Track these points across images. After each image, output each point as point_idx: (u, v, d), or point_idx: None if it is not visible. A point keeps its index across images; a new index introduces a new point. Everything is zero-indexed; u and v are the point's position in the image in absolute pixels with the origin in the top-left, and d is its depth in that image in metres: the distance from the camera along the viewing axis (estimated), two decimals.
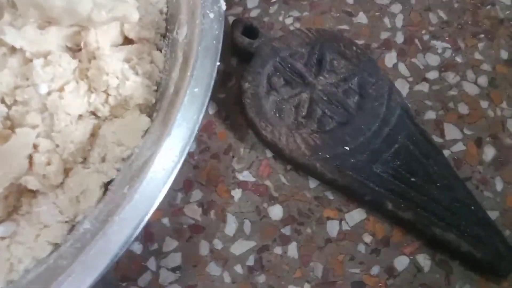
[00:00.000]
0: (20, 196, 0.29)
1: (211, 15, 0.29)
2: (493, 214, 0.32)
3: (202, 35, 0.28)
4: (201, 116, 0.27)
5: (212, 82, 0.28)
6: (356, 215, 0.33)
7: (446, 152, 0.34)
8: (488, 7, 0.39)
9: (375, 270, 0.31)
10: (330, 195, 0.33)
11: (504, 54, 0.38)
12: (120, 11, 0.31)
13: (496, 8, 0.39)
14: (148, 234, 0.32)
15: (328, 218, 0.33)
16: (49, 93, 0.28)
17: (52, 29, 0.30)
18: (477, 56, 0.38)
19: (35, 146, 0.28)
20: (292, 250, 0.32)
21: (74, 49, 0.31)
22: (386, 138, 0.33)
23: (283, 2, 0.40)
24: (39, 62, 0.28)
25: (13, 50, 0.29)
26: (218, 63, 0.28)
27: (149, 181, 0.25)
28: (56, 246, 0.27)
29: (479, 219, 0.31)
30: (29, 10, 0.27)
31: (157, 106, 0.30)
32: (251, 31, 0.37)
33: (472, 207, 0.31)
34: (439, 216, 0.30)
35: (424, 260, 0.31)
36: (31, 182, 0.28)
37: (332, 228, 0.32)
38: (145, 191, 0.25)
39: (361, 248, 0.32)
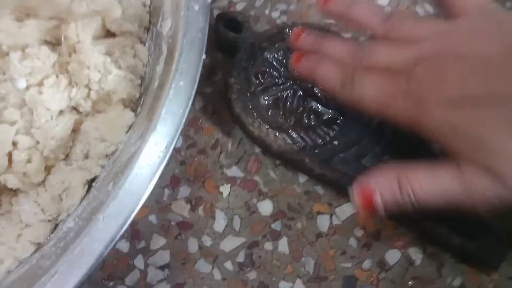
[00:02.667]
0: (0, 194, 0.28)
1: (196, 7, 0.28)
2: None
3: (187, 28, 0.27)
4: (187, 110, 0.26)
5: (198, 76, 0.27)
6: (347, 210, 0.32)
7: (435, 146, 0.34)
8: None
9: (366, 264, 0.31)
10: (320, 190, 0.33)
11: None
12: (101, 4, 0.30)
13: None
14: (135, 232, 0.31)
15: (319, 213, 0.32)
16: (27, 88, 0.28)
17: (31, 22, 0.29)
18: None
19: (14, 143, 0.27)
20: (283, 245, 0.31)
21: (54, 43, 0.30)
22: (375, 132, 0.33)
23: None
24: (17, 55, 0.27)
25: None
26: (204, 56, 0.27)
27: (134, 177, 0.24)
28: (39, 245, 0.27)
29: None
30: None
31: (141, 101, 0.29)
32: (236, 25, 0.36)
33: None
34: (430, 209, 0.30)
35: (415, 254, 0.31)
36: (11, 181, 0.27)
37: (323, 223, 0.32)
38: (130, 188, 0.24)
39: (352, 242, 0.31)
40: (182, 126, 0.26)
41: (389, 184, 0.25)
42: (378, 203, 0.25)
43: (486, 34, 0.24)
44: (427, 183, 0.24)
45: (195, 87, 0.27)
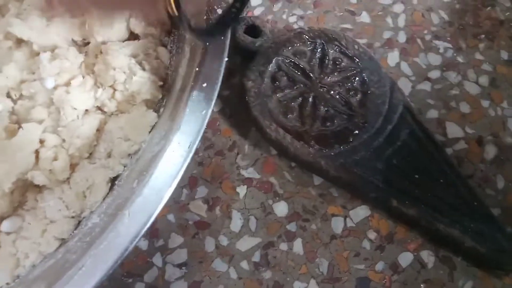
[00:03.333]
0: (25, 191, 0.29)
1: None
2: (495, 212, 0.32)
3: None
4: (209, 111, 0.27)
5: (220, 78, 0.28)
6: (361, 212, 0.33)
7: (448, 150, 0.35)
8: (489, 8, 0.40)
9: (379, 266, 0.31)
10: (334, 192, 0.33)
11: (504, 55, 0.38)
12: None
13: (497, 9, 0.40)
14: (154, 230, 0.32)
15: (333, 215, 0.33)
16: (55, 88, 0.28)
17: (58, 19, 0.29)
18: (478, 56, 0.38)
19: (41, 141, 0.28)
20: (297, 246, 0.32)
21: (80, 44, 0.31)
22: (389, 136, 0.33)
23: (287, 0, 0.40)
24: (46, 55, 0.28)
25: (19, 43, 0.29)
26: (226, 59, 0.28)
27: (158, 175, 0.25)
28: (63, 241, 0.27)
29: (482, 215, 0.31)
30: None
31: (163, 102, 0.30)
32: (254, 30, 0.37)
33: (475, 203, 0.31)
34: (443, 213, 0.31)
35: (428, 256, 0.32)
36: (38, 177, 0.28)
37: (337, 225, 0.32)
38: (154, 185, 0.25)
39: (366, 244, 0.32)
40: (204, 126, 0.27)
41: None
42: None
43: None
44: None
45: (218, 89, 0.28)
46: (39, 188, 0.29)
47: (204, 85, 0.27)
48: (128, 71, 0.29)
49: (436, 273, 0.31)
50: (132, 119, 0.29)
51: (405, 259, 0.32)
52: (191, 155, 0.26)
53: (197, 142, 0.26)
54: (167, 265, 0.31)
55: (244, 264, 0.31)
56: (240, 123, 0.36)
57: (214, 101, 0.27)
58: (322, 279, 0.31)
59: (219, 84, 0.28)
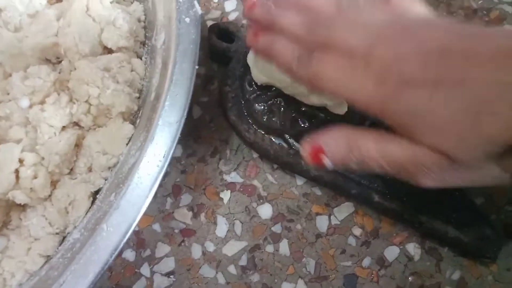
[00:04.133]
0: (9, 210, 0.29)
1: (187, 20, 0.29)
2: (478, 200, 0.32)
3: (179, 40, 0.29)
4: (182, 120, 0.27)
5: (192, 86, 0.28)
6: (345, 209, 0.33)
7: None
8: None
9: (366, 262, 0.31)
10: (317, 191, 0.34)
11: None
12: None
13: None
14: (140, 241, 0.32)
15: (317, 214, 0.33)
16: (30, 106, 0.29)
17: (30, 40, 0.30)
18: None
19: (20, 160, 0.28)
20: (284, 247, 0.32)
21: (54, 62, 0.32)
22: None
23: None
24: (19, 75, 0.28)
25: None
26: (196, 67, 0.28)
27: (134, 187, 0.25)
28: (48, 258, 0.28)
29: (464, 204, 0.31)
30: None
31: (139, 113, 0.30)
32: (228, 35, 0.37)
33: (456, 193, 0.31)
34: (425, 204, 0.31)
35: (414, 249, 0.32)
36: (19, 197, 0.28)
37: (322, 223, 0.33)
38: (131, 197, 0.25)
39: (352, 241, 0.32)
40: (178, 135, 0.27)
41: (339, 148, 0.25)
42: (327, 162, 0.25)
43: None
44: (376, 154, 0.24)
45: (190, 96, 0.28)
46: (22, 207, 0.29)
47: (176, 94, 0.27)
48: (101, 85, 0.29)
49: (423, 265, 0.31)
50: (109, 132, 0.29)
51: (392, 253, 0.32)
52: (166, 164, 0.26)
53: (172, 151, 0.26)
54: (155, 275, 0.32)
55: (232, 269, 0.32)
56: (220, 128, 0.36)
57: (187, 109, 0.27)
58: (309, 278, 0.31)
59: (191, 91, 0.28)
